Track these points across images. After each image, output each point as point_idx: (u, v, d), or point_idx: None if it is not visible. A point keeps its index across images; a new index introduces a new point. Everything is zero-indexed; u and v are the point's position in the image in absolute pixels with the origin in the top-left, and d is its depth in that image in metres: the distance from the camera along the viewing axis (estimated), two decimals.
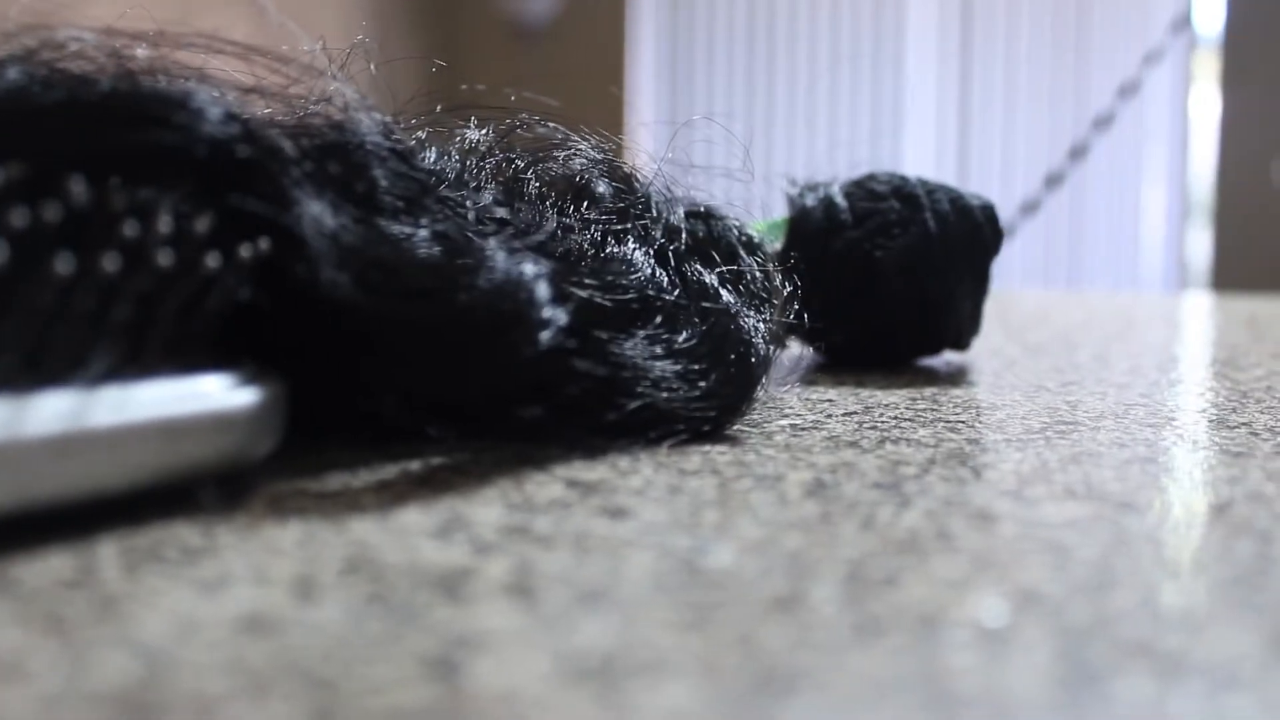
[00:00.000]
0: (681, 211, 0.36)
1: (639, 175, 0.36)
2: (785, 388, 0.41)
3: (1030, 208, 2.57)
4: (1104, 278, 2.84)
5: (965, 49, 2.91)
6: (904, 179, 0.47)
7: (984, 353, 0.52)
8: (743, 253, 0.36)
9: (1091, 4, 2.84)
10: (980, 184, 2.68)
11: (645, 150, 0.38)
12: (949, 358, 0.49)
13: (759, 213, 0.43)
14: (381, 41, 0.33)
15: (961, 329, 0.47)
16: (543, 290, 0.28)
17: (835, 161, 0.52)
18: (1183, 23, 2.67)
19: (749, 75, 3.02)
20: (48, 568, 0.20)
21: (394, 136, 0.29)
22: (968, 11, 2.90)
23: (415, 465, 0.28)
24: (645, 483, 0.27)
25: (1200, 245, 2.78)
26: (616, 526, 0.24)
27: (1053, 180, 2.61)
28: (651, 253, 0.33)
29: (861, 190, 0.46)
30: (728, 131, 0.42)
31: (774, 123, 2.98)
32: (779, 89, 3.01)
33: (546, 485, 0.27)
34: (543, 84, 0.37)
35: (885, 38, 2.96)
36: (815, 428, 0.34)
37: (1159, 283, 2.82)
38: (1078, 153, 2.64)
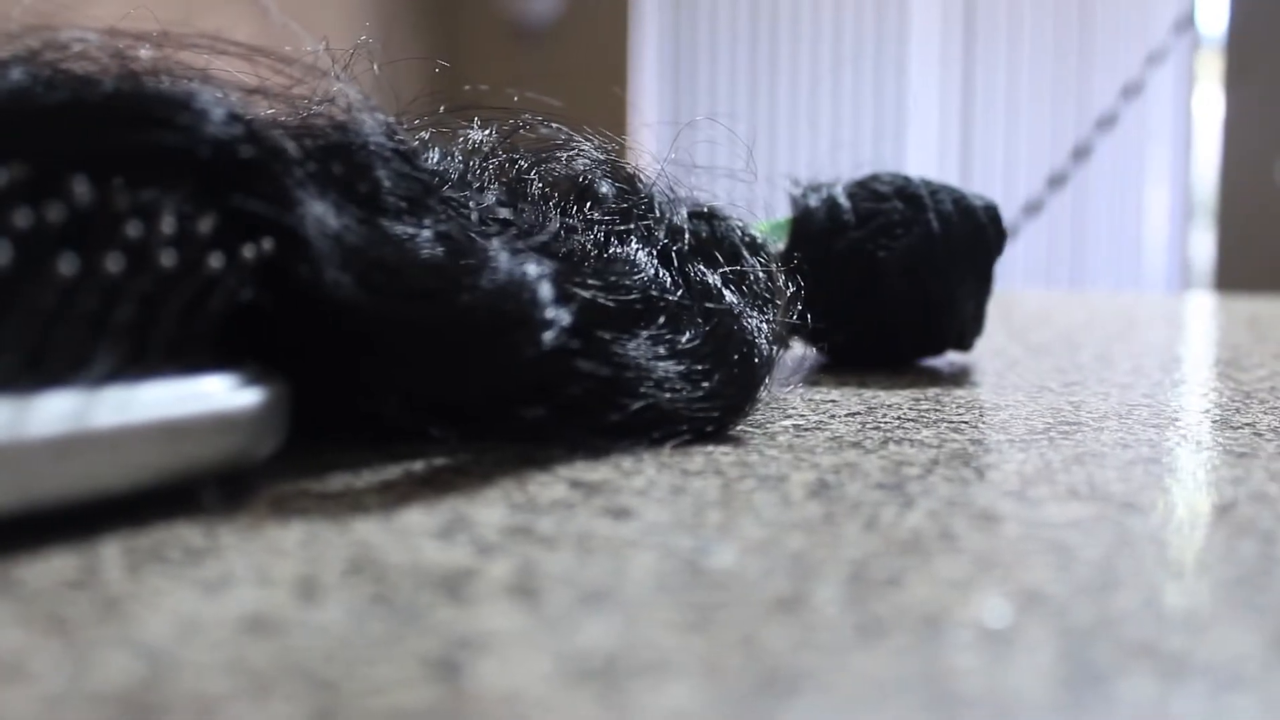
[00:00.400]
0: (684, 212, 0.36)
1: (642, 176, 0.36)
2: (788, 388, 0.41)
3: (1033, 208, 2.57)
4: (1107, 278, 2.84)
5: (968, 49, 2.91)
6: (907, 179, 0.47)
7: (987, 353, 0.52)
8: (746, 253, 0.36)
9: (1094, 4, 2.83)
10: (983, 184, 2.68)
11: (648, 151, 0.38)
12: (952, 358, 0.49)
13: (762, 213, 0.43)
14: (384, 42, 0.33)
15: (964, 329, 0.47)
16: (546, 291, 0.28)
17: (838, 162, 0.52)
18: (1186, 23, 2.67)
19: (752, 75, 3.02)
20: (50, 568, 0.21)
21: (397, 137, 0.29)
22: (970, 12, 2.90)
23: (418, 466, 0.28)
24: (648, 483, 0.27)
25: (1203, 245, 2.78)
26: (619, 527, 0.24)
27: (1055, 180, 2.61)
28: (655, 253, 0.33)
29: (864, 190, 0.46)
30: (731, 132, 0.42)
31: (777, 123, 2.98)
32: (782, 89, 3.01)
33: (549, 486, 0.27)
34: (545, 84, 0.37)
35: (888, 38, 2.96)
36: (818, 428, 0.34)
37: (1162, 283, 2.82)
38: (1081, 153, 2.64)
